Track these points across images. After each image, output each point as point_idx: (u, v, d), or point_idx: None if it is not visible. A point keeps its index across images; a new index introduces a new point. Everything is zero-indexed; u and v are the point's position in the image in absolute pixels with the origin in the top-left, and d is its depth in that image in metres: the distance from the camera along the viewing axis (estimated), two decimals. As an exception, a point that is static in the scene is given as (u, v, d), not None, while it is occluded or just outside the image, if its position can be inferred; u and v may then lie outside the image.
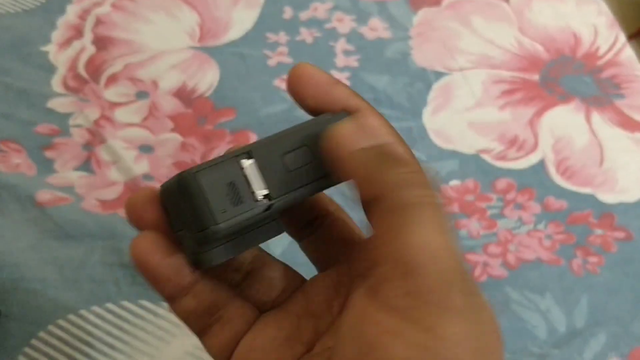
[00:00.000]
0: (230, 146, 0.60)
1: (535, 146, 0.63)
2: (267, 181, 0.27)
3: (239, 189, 0.26)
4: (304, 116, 0.69)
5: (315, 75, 0.27)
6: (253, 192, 0.26)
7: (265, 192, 0.26)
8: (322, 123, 0.27)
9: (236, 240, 0.28)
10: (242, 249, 0.28)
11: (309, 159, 0.27)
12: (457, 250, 0.23)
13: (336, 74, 0.67)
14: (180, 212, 0.26)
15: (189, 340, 0.50)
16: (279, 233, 0.30)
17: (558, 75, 0.68)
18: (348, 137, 0.25)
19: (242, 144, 0.28)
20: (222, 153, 0.59)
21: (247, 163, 0.26)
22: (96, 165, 0.59)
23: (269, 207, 0.26)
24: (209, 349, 0.30)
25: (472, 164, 0.62)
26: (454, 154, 0.62)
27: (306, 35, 0.70)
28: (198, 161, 0.59)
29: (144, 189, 0.27)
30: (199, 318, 0.29)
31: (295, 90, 0.27)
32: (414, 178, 0.24)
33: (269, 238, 0.29)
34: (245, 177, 0.26)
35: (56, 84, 0.64)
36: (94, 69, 0.65)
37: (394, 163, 0.24)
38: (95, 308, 0.51)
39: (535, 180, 0.61)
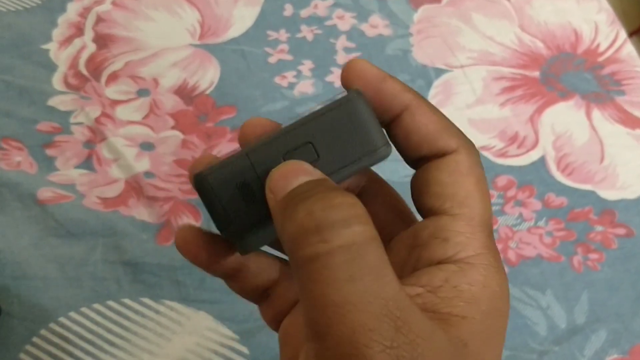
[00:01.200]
0: (231, 144, 0.61)
1: (535, 143, 0.63)
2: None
3: (251, 186, 0.26)
4: (304, 113, 0.69)
5: (366, 70, 0.27)
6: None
7: None
8: (331, 113, 0.27)
9: (269, 226, 0.27)
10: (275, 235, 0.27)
11: (312, 156, 0.26)
12: (379, 295, 0.20)
13: (337, 71, 0.67)
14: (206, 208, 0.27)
15: (190, 338, 0.50)
16: None
17: (558, 72, 0.68)
18: (274, 187, 0.24)
19: (251, 139, 0.28)
20: (223, 151, 0.59)
21: (255, 160, 0.26)
22: (97, 163, 0.59)
23: None
24: (263, 317, 0.30)
25: (473, 161, 0.61)
26: (454, 151, 0.62)
27: (307, 32, 0.70)
28: (199, 159, 0.59)
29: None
30: (251, 294, 0.30)
31: (348, 85, 0.27)
32: (313, 222, 0.21)
33: None
34: (256, 174, 0.26)
35: (57, 81, 0.64)
36: (95, 66, 0.65)
37: (293, 210, 0.22)
38: (97, 305, 0.51)
39: (535, 177, 0.61)
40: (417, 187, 0.26)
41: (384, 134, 0.27)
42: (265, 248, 0.30)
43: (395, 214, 0.28)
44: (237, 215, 0.26)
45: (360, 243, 0.21)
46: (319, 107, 0.27)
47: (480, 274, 0.24)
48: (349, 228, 0.21)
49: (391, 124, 0.27)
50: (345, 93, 0.27)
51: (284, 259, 0.30)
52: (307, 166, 0.25)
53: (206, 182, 0.27)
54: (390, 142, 0.27)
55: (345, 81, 0.27)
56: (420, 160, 0.27)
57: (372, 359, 0.20)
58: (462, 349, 0.22)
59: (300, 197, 0.23)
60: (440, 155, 0.26)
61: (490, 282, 0.24)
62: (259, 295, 0.30)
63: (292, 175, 0.24)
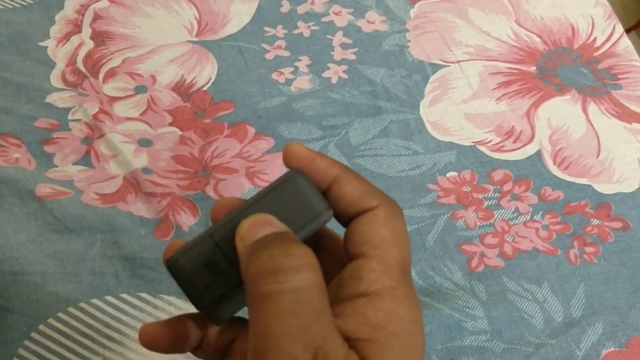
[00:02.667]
0: (229, 140, 0.61)
1: (532, 137, 0.63)
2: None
3: (217, 263, 0.31)
4: (300, 109, 0.69)
5: (298, 152, 0.31)
6: (231, 263, 0.31)
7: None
8: (277, 191, 0.31)
9: (237, 296, 0.31)
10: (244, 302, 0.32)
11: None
12: (310, 330, 0.26)
13: (334, 67, 0.67)
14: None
15: (188, 332, 0.50)
16: None
17: (555, 67, 0.68)
18: (244, 234, 0.29)
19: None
20: (220, 147, 0.60)
21: (219, 238, 0.30)
22: (95, 159, 0.59)
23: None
24: None
25: (469, 156, 0.62)
26: (451, 146, 0.62)
27: (304, 28, 0.70)
28: (197, 155, 0.60)
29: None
30: (214, 356, 0.33)
31: (288, 165, 0.32)
32: (272, 265, 0.26)
33: None
34: (221, 251, 0.31)
35: (55, 78, 0.64)
36: (93, 63, 0.65)
37: (257, 254, 0.27)
38: (95, 301, 0.51)
39: (532, 171, 0.61)
40: (345, 239, 0.31)
41: (325, 201, 0.31)
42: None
43: (341, 262, 0.32)
44: (208, 289, 0.31)
45: (306, 287, 0.26)
46: (267, 186, 0.31)
47: (388, 302, 0.28)
48: (300, 274, 0.26)
49: (325, 194, 0.31)
50: (287, 172, 0.32)
51: (242, 318, 0.33)
52: (272, 219, 0.29)
53: (177, 265, 0.31)
54: (330, 207, 0.31)
55: (285, 162, 0.32)
56: (349, 219, 0.31)
57: None
58: None
59: (265, 244, 0.28)
60: (363, 213, 0.31)
61: (397, 308, 0.28)
62: (222, 354, 0.34)
63: (260, 225, 0.29)
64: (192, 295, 0.31)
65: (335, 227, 0.33)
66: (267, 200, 0.31)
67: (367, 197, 0.31)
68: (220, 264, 0.31)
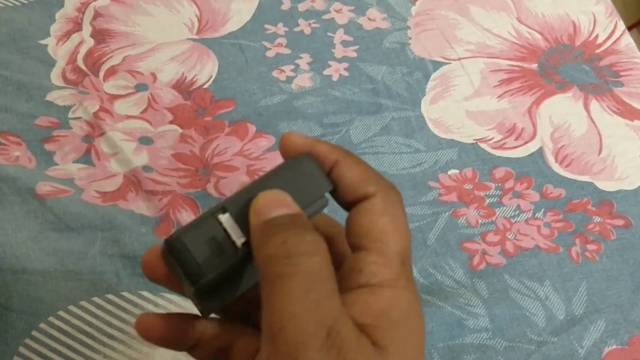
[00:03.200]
0: (229, 138, 0.61)
1: (533, 134, 0.63)
2: (244, 230, 0.30)
3: (220, 241, 0.30)
4: (301, 107, 0.69)
5: (297, 140, 0.32)
6: (233, 242, 0.30)
7: (243, 239, 0.30)
8: (286, 169, 0.32)
9: (233, 284, 0.32)
10: (239, 291, 0.32)
11: None
12: (322, 311, 0.27)
13: (335, 65, 0.67)
14: (176, 270, 0.31)
15: (189, 330, 0.50)
16: None
17: (556, 64, 0.68)
18: (259, 209, 0.30)
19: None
20: (221, 145, 0.59)
21: (224, 217, 0.30)
22: (96, 157, 0.59)
23: (249, 252, 0.30)
24: None
25: (471, 153, 0.62)
26: (452, 143, 0.62)
27: (304, 26, 0.70)
28: (197, 153, 0.60)
29: (153, 248, 0.32)
30: (211, 357, 0.34)
31: (285, 155, 0.32)
32: (286, 249, 0.28)
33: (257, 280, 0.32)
34: (224, 230, 0.30)
35: (55, 77, 0.64)
36: (93, 61, 0.65)
37: (272, 235, 0.28)
38: (96, 299, 0.51)
39: (533, 168, 0.61)
40: (346, 230, 0.32)
41: (330, 183, 0.32)
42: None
43: (344, 255, 0.33)
44: (208, 267, 0.30)
45: (318, 270, 0.28)
46: (274, 168, 0.32)
47: (388, 292, 0.29)
48: (312, 258, 0.28)
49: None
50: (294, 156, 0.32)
51: (241, 321, 0.35)
52: (288, 198, 0.30)
53: (179, 241, 0.30)
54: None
55: (282, 152, 0.32)
56: (350, 204, 0.32)
57: (306, 356, 0.26)
58: (383, 350, 0.28)
59: (280, 227, 0.28)
60: (362, 199, 0.31)
61: (397, 299, 0.29)
62: (220, 356, 0.34)
63: (276, 203, 0.29)
64: (191, 273, 0.30)
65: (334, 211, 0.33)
66: (277, 178, 0.31)
67: (366, 183, 0.31)
68: (223, 242, 0.30)
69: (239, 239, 0.30)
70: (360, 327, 0.28)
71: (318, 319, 0.27)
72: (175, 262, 0.30)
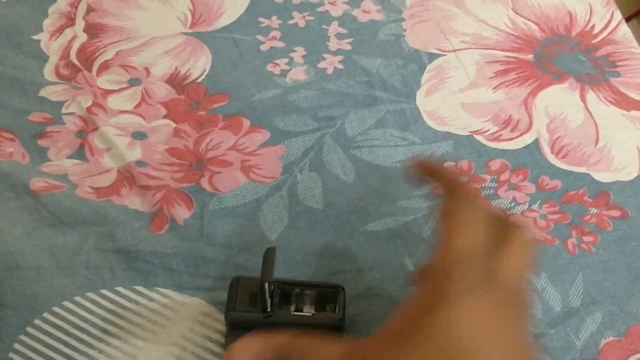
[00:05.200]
0: (223, 132, 0.60)
1: (529, 126, 0.63)
2: (273, 305, 0.46)
3: (256, 298, 0.47)
4: (295, 100, 0.68)
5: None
6: (264, 305, 0.46)
7: (269, 309, 0.46)
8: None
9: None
10: None
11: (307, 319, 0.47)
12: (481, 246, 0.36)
13: (329, 58, 0.66)
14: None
15: (184, 324, 0.50)
16: None
17: (553, 54, 0.68)
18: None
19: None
20: (215, 139, 0.59)
21: (266, 287, 0.45)
22: (89, 153, 0.59)
23: (268, 316, 0.46)
24: None
25: (466, 145, 0.61)
26: (448, 136, 0.62)
27: (299, 19, 0.69)
28: (191, 147, 0.59)
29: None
30: None
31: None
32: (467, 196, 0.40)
33: None
34: (262, 294, 0.46)
35: (48, 72, 0.64)
36: (86, 56, 0.65)
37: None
38: (90, 294, 0.51)
39: (529, 160, 0.61)
40: None
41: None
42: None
43: None
44: (238, 307, 0.47)
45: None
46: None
47: None
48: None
49: None
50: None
51: None
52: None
53: (234, 281, 0.48)
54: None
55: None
56: None
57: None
58: None
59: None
60: None
61: None
62: None
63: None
64: (229, 303, 0.47)
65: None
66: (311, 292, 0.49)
67: None
68: (257, 300, 0.46)
69: (266, 306, 0.46)
70: None
71: (472, 256, 0.37)
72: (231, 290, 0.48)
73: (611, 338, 0.52)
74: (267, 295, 0.45)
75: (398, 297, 0.52)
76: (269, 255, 0.45)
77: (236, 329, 0.47)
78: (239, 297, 0.47)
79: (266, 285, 0.45)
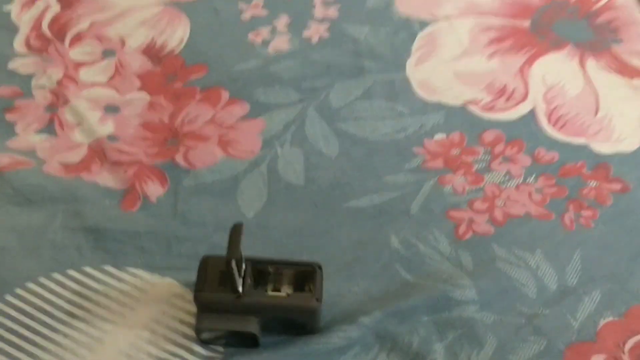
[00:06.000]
0: (201, 105, 0.58)
1: (525, 95, 0.60)
2: (245, 285, 0.44)
3: (226, 278, 0.43)
4: (277, 71, 0.65)
5: None
6: (233, 284, 0.43)
7: (240, 289, 0.43)
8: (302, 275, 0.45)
9: (223, 317, 0.44)
10: (225, 326, 0.44)
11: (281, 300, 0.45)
12: None
13: (315, 26, 0.63)
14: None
15: (155, 306, 0.47)
16: (254, 346, 0.45)
17: (550, 21, 0.64)
18: None
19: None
20: (192, 112, 0.56)
21: (233, 265, 0.42)
22: (59, 127, 0.56)
23: (239, 297, 0.43)
24: None
25: (459, 116, 0.58)
26: (439, 106, 0.59)
27: (283, -14, 0.66)
28: (166, 121, 0.56)
29: None
30: None
31: None
32: None
33: (245, 345, 0.45)
34: (231, 274, 0.42)
35: (18, 44, 0.61)
36: (59, 27, 0.62)
37: None
38: (56, 275, 0.49)
39: (525, 131, 0.57)
40: None
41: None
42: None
43: None
44: (207, 288, 0.44)
45: None
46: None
47: None
48: None
49: None
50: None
51: None
52: None
53: (203, 261, 0.45)
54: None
55: None
56: None
57: None
58: None
59: None
60: None
61: None
62: None
63: None
64: (197, 284, 0.44)
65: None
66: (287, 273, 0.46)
67: None
68: (227, 280, 0.43)
69: (237, 286, 0.43)
70: None
71: None
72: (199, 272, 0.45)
73: (610, 318, 0.49)
74: (236, 274, 0.42)
75: (382, 277, 0.49)
76: (235, 231, 0.42)
77: (206, 310, 0.44)
78: (209, 277, 0.44)
79: (233, 262, 0.42)
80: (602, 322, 0.49)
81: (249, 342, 0.45)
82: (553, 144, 0.57)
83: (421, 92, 0.60)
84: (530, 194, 0.54)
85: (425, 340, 0.47)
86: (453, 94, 0.60)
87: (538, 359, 0.47)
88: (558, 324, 0.48)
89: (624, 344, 0.48)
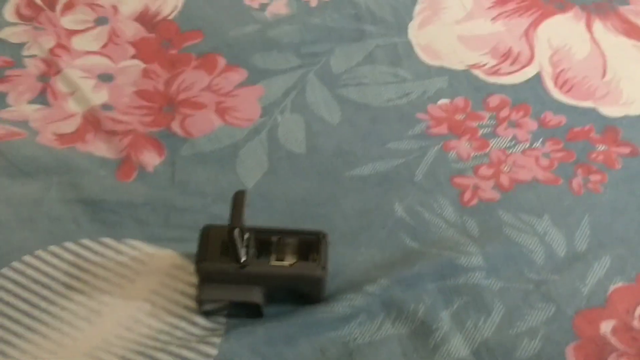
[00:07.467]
0: (196, 72, 0.56)
1: (531, 59, 0.58)
2: (248, 255, 0.42)
3: (228, 248, 0.42)
4: (276, 36, 0.63)
5: None
6: (236, 254, 0.42)
7: (243, 259, 0.42)
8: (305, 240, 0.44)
9: (225, 287, 0.43)
10: (228, 297, 0.43)
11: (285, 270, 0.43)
12: None
13: (313, -9, 0.62)
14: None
15: (154, 278, 0.46)
16: (258, 317, 0.44)
17: (556, -18, 0.63)
18: None
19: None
20: (187, 79, 0.55)
21: (236, 234, 0.40)
22: (52, 97, 0.54)
23: (242, 267, 0.42)
24: None
25: (463, 81, 0.57)
26: (442, 71, 0.57)
27: (280, -51, 0.64)
28: (161, 89, 0.55)
29: None
30: None
31: None
32: None
33: (248, 316, 0.44)
34: (234, 243, 0.41)
35: (9, 12, 0.60)
36: (50, -5, 0.60)
37: None
38: (53, 247, 0.47)
39: (531, 95, 0.56)
40: None
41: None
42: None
43: None
44: (210, 257, 0.42)
45: None
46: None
47: None
48: None
49: None
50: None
51: None
52: None
53: (205, 230, 0.44)
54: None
55: None
56: None
57: None
58: None
59: None
60: None
61: None
62: None
63: None
64: (198, 254, 0.43)
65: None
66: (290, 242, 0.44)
67: None
68: (230, 250, 0.41)
69: (241, 256, 0.42)
70: None
71: None
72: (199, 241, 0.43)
73: (620, 284, 0.48)
74: (239, 244, 0.41)
75: (387, 245, 0.48)
76: (237, 199, 0.41)
77: (208, 281, 0.43)
78: (210, 247, 0.43)
79: (236, 231, 0.40)
80: (612, 288, 0.48)
81: (252, 312, 0.44)
82: (560, 107, 0.55)
83: (424, 57, 0.58)
84: (537, 159, 0.53)
85: (431, 307, 0.46)
86: (457, 58, 0.58)
87: (547, 325, 0.46)
88: (567, 290, 0.47)
89: (634, 309, 0.47)
